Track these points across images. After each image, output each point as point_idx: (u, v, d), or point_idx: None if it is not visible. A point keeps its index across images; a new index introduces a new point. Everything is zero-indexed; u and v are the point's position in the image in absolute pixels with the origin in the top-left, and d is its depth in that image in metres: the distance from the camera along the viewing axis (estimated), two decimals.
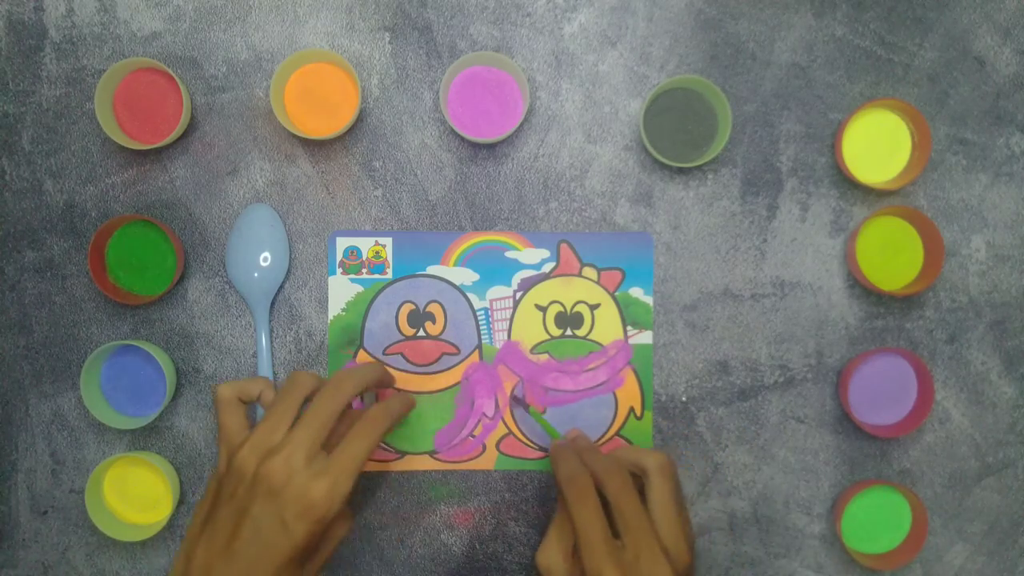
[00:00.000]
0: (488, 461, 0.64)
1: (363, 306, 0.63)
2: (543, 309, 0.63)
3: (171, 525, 0.65)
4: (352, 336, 0.64)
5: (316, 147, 0.65)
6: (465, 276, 0.64)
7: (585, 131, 0.65)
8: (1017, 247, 0.65)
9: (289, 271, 0.65)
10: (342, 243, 0.63)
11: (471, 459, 0.64)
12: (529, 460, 0.64)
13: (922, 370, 0.64)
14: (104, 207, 0.65)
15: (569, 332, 0.63)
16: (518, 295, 0.64)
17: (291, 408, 0.54)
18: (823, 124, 0.65)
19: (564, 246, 0.64)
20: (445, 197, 0.65)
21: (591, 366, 0.64)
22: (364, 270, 0.63)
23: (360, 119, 0.65)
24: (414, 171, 0.65)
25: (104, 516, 0.63)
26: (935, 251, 0.63)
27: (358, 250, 0.63)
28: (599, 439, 0.64)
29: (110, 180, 0.65)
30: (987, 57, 0.65)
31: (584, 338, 0.63)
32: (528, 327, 0.64)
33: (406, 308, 0.63)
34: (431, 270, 0.64)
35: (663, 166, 0.65)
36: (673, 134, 0.64)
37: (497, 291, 0.64)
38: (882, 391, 0.64)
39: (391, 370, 0.63)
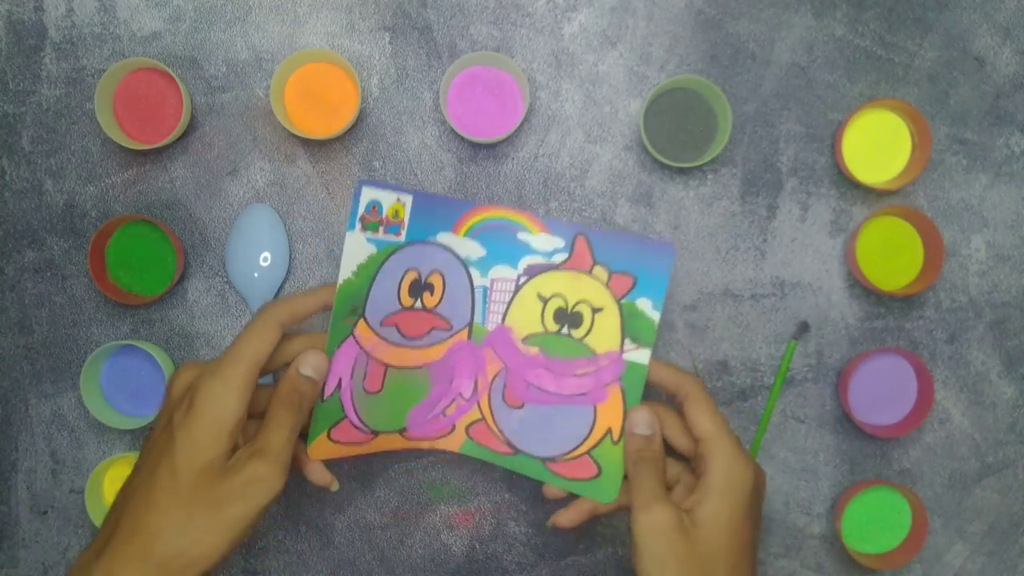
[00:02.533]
0: (455, 442, 0.61)
1: (372, 269, 0.59)
2: (544, 300, 0.59)
3: None
4: (356, 304, 0.59)
5: (316, 147, 0.65)
6: (471, 249, 0.60)
7: (585, 131, 0.65)
8: (1017, 247, 0.65)
9: (289, 271, 0.65)
10: (367, 195, 0.59)
11: (438, 437, 0.61)
12: (496, 453, 0.60)
13: (922, 370, 0.64)
14: (104, 207, 0.65)
15: (566, 331, 0.59)
16: (521, 280, 0.60)
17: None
18: (823, 124, 0.65)
19: (581, 240, 0.59)
20: None
21: (579, 371, 0.59)
22: (381, 228, 0.59)
23: (360, 119, 0.65)
24: (414, 171, 0.65)
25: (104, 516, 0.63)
26: (935, 251, 0.63)
27: (380, 205, 0.59)
28: (567, 453, 0.59)
29: (110, 180, 0.65)
30: (987, 57, 0.65)
31: (579, 340, 0.59)
32: (525, 315, 0.60)
33: (409, 276, 0.59)
34: (441, 237, 0.60)
35: (663, 166, 0.65)
36: (673, 134, 0.64)
37: (501, 271, 0.60)
38: (882, 391, 0.64)
39: (380, 342, 0.59)
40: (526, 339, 0.60)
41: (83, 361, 0.64)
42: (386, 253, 0.59)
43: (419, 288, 0.60)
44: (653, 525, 0.49)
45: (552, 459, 0.60)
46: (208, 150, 0.65)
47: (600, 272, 0.59)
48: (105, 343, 0.64)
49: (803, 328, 0.65)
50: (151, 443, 0.52)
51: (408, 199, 0.59)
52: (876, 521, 0.64)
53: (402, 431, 0.60)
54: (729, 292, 0.65)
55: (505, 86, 0.64)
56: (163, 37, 0.65)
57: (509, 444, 0.60)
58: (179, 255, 0.63)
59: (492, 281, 0.60)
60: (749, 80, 0.65)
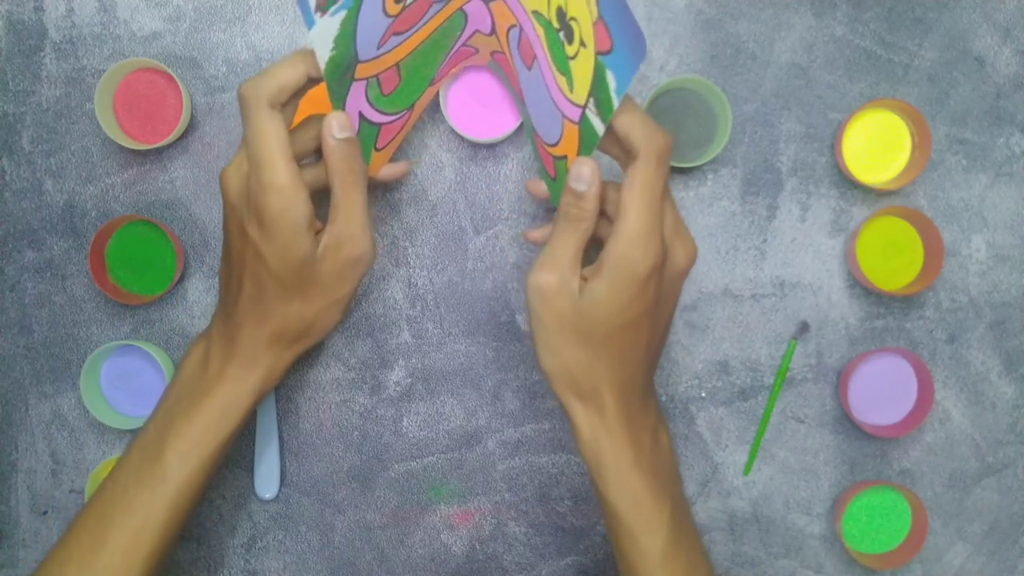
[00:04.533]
0: (481, 59, 0.60)
1: (350, 27, 0.51)
2: None
3: None
4: (348, 62, 0.53)
5: None
6: None
7: None
8: (1017, 247, 0.65)
9: None
10: None
11: (462, 60, 0.60)
12: (513, 88, 0.59)
13: (922, 370, 0.64)
14: (104, 207, 0.65)
15: (562, 36, 0.49)
16: None
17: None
18: (823, 124, 0.65)
19: None
20: (445, 197, 0.65)
21: (558, 89, 0.51)
22: None
23: None
24: (414, 171, 0.65)
25: None
26: (935, 251, 0.63)
27: None
28: (543, 135, 0.55)
29: (110, 180, 0.65)
30: (987, 57, 0.65)
31: (568, 58, 0.50)
32: None
33: None
34: None
35: None
36: (673, 134, 0.63)
37: None
38: (882, 391, 0.64)
39: (383, 58, 0.54)
40: (534, 13, 0.51)
41: (83, 361, 0.64)
42: (357, 5, 0.51)
43: None
44: (538, 287, 0.49)
45: (536, 131, 0.56)
46: (208, 150, 0.65)
47: (592, 5, 0.47)
48: (105, 343, 0.64)
49: (803, 328, 0.65)
50: (235, 258, 0.54)
51: None
52: (876, 521, 0.64)
53: (431, 81, 0.60)
54: (729, 292, 0.65)
55: (505, 86, 0.63)
56: (163, 37, 0.65)
57: (521, 91, 0.57)
58: (179, 255, 0.63)
59: None
60: (749, 80, 0.65)
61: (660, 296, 0.50)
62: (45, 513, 0.65)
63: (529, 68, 0.54)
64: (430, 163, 0.65)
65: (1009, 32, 0.65)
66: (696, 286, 0.65)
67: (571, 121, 0.51)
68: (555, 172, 0.56)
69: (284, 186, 0.50)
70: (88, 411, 0.64)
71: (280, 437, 0.65)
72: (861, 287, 0.65)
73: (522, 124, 0.64)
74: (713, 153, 0.62)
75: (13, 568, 0.65)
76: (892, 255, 0.64)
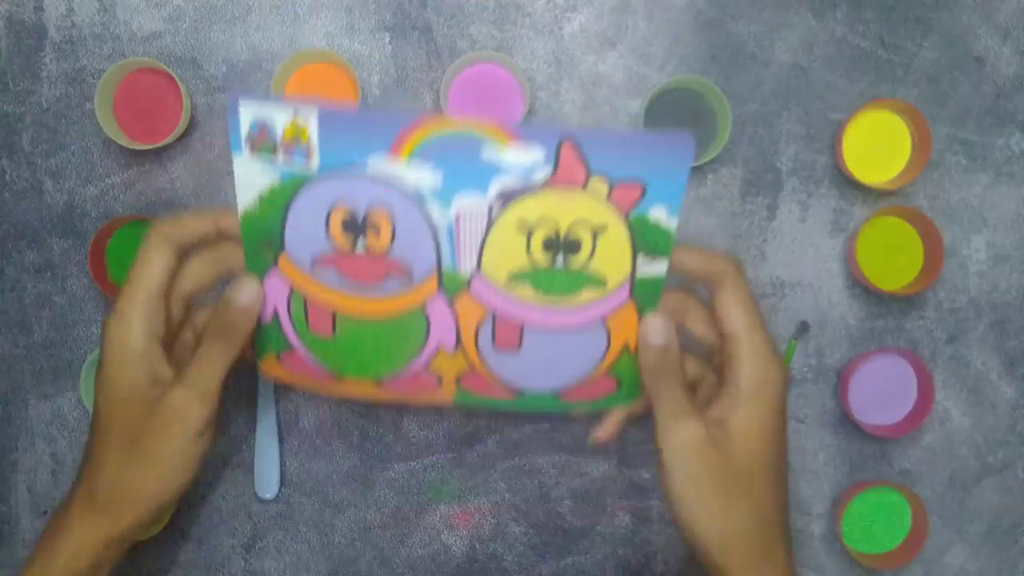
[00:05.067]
0: (446, 395, 0.53)
1: (280, 202, 0.47)
2: (528, 230, 0.47)
3: (171, 525, 0.65)
4: (271, 238, 0.48)
5: None
6: (422, 176, 0.45)
7: None
8: (1017, 247, 0.65)
9: None
10: (247, 113, 0.45)
11: (424, 392, 0.53)
12: (496, 400, 0.53)
13: (922, 370, 0.64)
14: (104, 207, 0.65)
15: (560, 262, 0.47)
16: (495, 209, 0.46)
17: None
18: (823, 124, 0.65)
19: (567, 147, 0.45)
20: None
21: (585, 303, 0.49)
22: (280, 154, 0.46)
23: None
24: None
25: None
26: (935, 251, 0.63)
27: (269, 127, 0.45)
28: (582, 378, 0.51)
29: (110, 180, 0.65)
30: (987, 57, 0.65)
31: (580, 270, 0.47)
32: (505, 252, 0.47)
33: (338, 213, 0.47)
34: (374, 164, 0.45)
35: None
36: None
37: (466, 201, 0.46)
38: (882, 391, 0.64)
39: (316, 285, 0.49)
40: (512, 277, 0.48)
41: (83, 361, 0.64)
42: (292, 186, 0.46)
43: (356, 227, 0.47)
44: (683, 442, 0.45)
45: (566, 389, 0.52)
46: (208, 150, 0.65)
47: (598, 184, 0.46)
48: None
49: (803, 328, 0.65)
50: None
51: (312, 115, 0.45)
52: (876, 521, 0.64)
53: (377, 381, 0.53)
54: None
55: (505, 86, 0.64)
56: (163, 37, 0.65)
57: (510, 388, 0.52)
58: None
59: (457, 215, 0.47)
60: (749, 80, 0.65)
61: None
62: (45, 513, 0.65)
63: (518, 349, 0.51)
64: None
65: (1009, 32, 0.65)
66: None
67: (618, 308, 0.49)
68: (617, 381, 0.52)
69: (125, 312, 0.48)
70: (88, 411, 0.64)
71: (280, 437, 0.65)
72: (861, 287, 0.65)
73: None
74: (713, 153, 0.62)
75: (13, 568, 0.65)
76: (892, 255, 0.64)
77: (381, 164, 0.45)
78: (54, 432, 0.65)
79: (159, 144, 0.62)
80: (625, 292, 0.48)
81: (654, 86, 0.64)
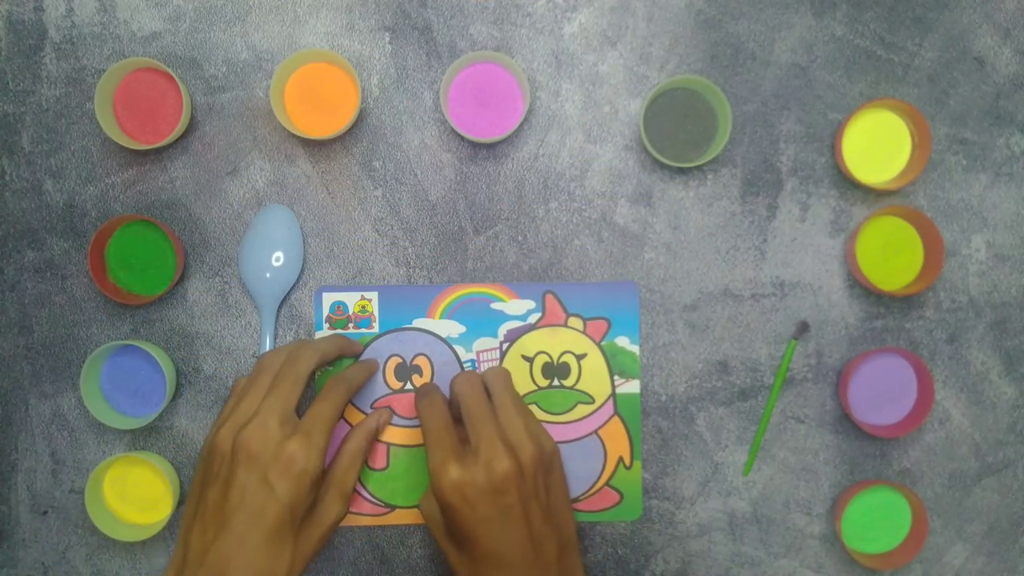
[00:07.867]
0: None
1: (350, 362, 0.63)
2: (530, 360, 0.64)
3: (171, 525, 0.65)
4: None
5: (316, 147, 0.65)
6: (451, 328, 0.64)
7: (585, 131, 0.65)
8: (1017, 247, 0.65)
9: (301, 275, 0.65)
10: (328, 299, 0.64)
11: None
12: None
13: (922, 370, 0.64)
14: (104, 207, 0.65)
15: (556, 383, 0.64)
16: (504, 346, 0.64)
17: (262, 386, 0.56)
18: (823, 124, 0.65)
19: (549, 297, 0.64)
20: (445, 197, 0.65)
21: (580, 415, 0.64)
22: (351, 324, 0.64)
23: (360, 119, 0.65)
24: (414, 171, 0.65)
25: (104, 516, 0.63)
26: (935, 251, 0.63)
27: (344, 305, 0.64)
28: (588, 491, 0.64)
29: (110, 180, 0.65)
30: (987, 57, 0.65)
31: (572, 388, 0.64)
32: (515, 378, 0.63)
33: (393, 362, 0.64)
34: (417, 323, 0.64)
35: (663, 166, 0.65)
36: (673, 134, 0.64)
37: (484, 343, 0.64)
38: (882, 391, 0.64)
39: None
40: (522, 399, 0.62)
41: (83, 361, 0.64)
42: (363, 344, 0.64)
43: (406, 371, 0.64)
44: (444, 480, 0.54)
45: (576, 500, 0.64)
46: (208, 150, 0.65)
47: (575, 322, 0.64)
48: (105, 343, 0.64)
49: (803, 328, 0.65)
50: (237, 490, 0.53)
51: (374, 295, 0.64)
52: (876, 521, 0.64)
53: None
54: (729, 292, 0.65)
55: (505, 86, 0.64)
56: (163, 37, 0.65)
57: None
58: (179, 255, 0.63)
59: (478, 353, 0.64)
60: (749, 80, 0.65)
61: None
62: (45, 513, 0.65)
63: None
64: (430, 163, 0.65)
65: (1009, 32, 0.65)
66: (696, 286, 0.65)
67: (607, 422, 0.64)
68: (620, 494, 0.64)
69: (319, 444, 0.55)
70: (88, 411, 0.64)
71: None
72: (861, 287, 0.65)
73: (521, 124, 0.64)
74: (713, 153, 0.62)
75: (13, 568, 0.65)
76: (892, 255, 0.64)
77: (423, 322, 0.64)
78: (54, 432, 0.65)
79: (159, 144, 0.62)
80: (610, 407, 0.64)
81: (654, 86, 0.64)
